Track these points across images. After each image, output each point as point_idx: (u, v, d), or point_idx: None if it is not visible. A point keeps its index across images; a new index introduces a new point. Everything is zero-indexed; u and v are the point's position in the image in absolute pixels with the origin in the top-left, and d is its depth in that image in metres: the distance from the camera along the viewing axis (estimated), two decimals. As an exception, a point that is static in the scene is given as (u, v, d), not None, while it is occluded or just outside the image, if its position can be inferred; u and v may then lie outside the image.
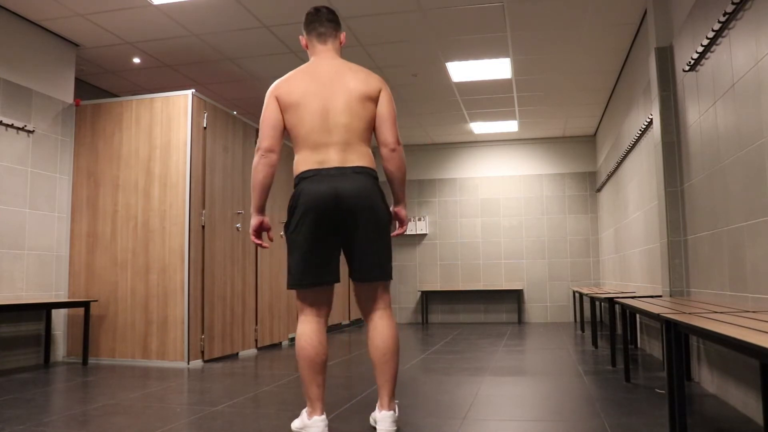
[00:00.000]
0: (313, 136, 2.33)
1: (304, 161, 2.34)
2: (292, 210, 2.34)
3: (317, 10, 2.53)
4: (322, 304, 2.39)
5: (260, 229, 2.46)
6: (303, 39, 2.56)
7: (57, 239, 4.87)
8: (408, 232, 9.10)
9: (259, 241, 2.45)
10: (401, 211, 2.55)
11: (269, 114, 2.38)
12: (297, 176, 2.35)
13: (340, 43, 2.55)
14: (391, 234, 2.53)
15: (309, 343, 2.31)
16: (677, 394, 2.17)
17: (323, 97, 2.35)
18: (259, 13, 4.66)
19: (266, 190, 2.40)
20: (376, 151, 8.54)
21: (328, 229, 2.31)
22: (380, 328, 2.35)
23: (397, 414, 2.35)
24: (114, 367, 4.46)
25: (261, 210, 2.44)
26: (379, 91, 2.41)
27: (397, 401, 2.49)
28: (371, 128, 2.41)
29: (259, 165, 2.36)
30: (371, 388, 3.44)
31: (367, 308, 2.42)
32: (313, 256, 2.31)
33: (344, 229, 2.32)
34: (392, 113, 2.42)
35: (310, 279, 2.32)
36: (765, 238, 2.49)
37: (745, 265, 2.73)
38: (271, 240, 2.54)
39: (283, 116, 2.38)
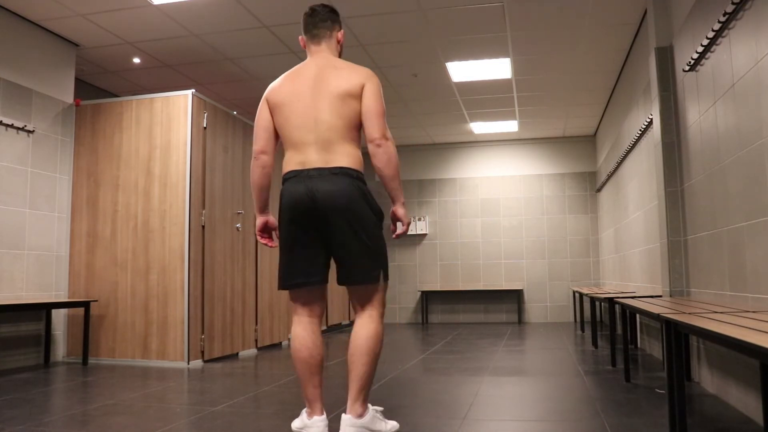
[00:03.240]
0: (295, 135, 2.33)
1: (288, 162, 2.37)
2: (279, 211, 2.38)
3: (313, 10, 2.50)
4: (313, 304, 2.37)
5: (266, 229, 2.48)
6: (302, 39, 2.55)
7: (57, 239, 4.87)
8: (408, 232, 9.10)
9: (265, 241, 2.48)
10: (398, 210, 2.43)
11: (260, 116, 2.42)
12: (282, 177, 2.39)
13: (338, 41, 2.51)
14: (393, 235, 2.52)
15: (303, 344, 2.30)
16: (677, 394, 2.16)
17: (306, 97, 2.34)
18: (259, 13, 4.66)
19: (264, 191, 2.43)
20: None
21: (308, 230, 2.30)
22: (357, 328, 2.33)
23: (363, 422, 2.25)
24: (114, 367, 4.46)
25: (263, 210, 2.46)
26: (362, 87, 2.34)
27: (379, 409, 2.38)
28: (357, 126, 2.36)
29: (253, 167, 2.41)
30: (371, 388, 3.43)
31: (355, 310, 2.39)
32: (295, 256, 2.31)
33: (323, 231, 2.30)
34: (376, 107, 2.33)
35: (294, 279, 2.32)
36: (765, 238, 2.49)
37: (745, 265, 2.73)
38: (279, 238, 2.52)
39: (273, 118, 2.40)
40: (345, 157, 2.31)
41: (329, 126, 2.31)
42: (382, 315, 2.37)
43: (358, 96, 2.33)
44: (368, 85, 2.35)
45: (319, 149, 2.30)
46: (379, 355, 2.37)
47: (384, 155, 2.30)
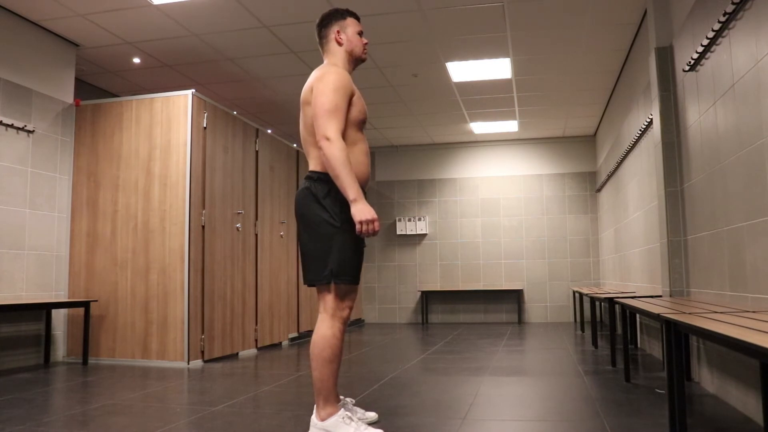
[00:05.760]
0: None
1: None
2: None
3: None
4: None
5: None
6: None
7: (57, 239, 4.87)
8: (408, 232, 9.10)
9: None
10: (352, 209, 2.26)
11: None
12: None
13: (337, 42, 2.52)
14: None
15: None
16: (677, 394, 2.17)
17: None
18: (259, 13, 4.66)
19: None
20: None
21: None
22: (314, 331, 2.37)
23: (324, 425, 2.27)
24: (114, 367, 4.46)
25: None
26: (311, 90, 2.37)
27: (346, 415, 2.29)
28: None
29: None
30: (371, 388, 3.44)
31: None
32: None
33: None
34: (317, 109, 2.30)
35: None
36: (765, 238, 2.49)
37: (745, 265, 2.73)
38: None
39: None
40: (312, 161, 2.44)
41: (302, 136, 2.47)
42: (334, 317, 2.34)
43: (310, 101, 2.39)
44: (316, 86, 2.36)
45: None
46: (333, 357, 2.29)
47: (324, 156, 2.28)
